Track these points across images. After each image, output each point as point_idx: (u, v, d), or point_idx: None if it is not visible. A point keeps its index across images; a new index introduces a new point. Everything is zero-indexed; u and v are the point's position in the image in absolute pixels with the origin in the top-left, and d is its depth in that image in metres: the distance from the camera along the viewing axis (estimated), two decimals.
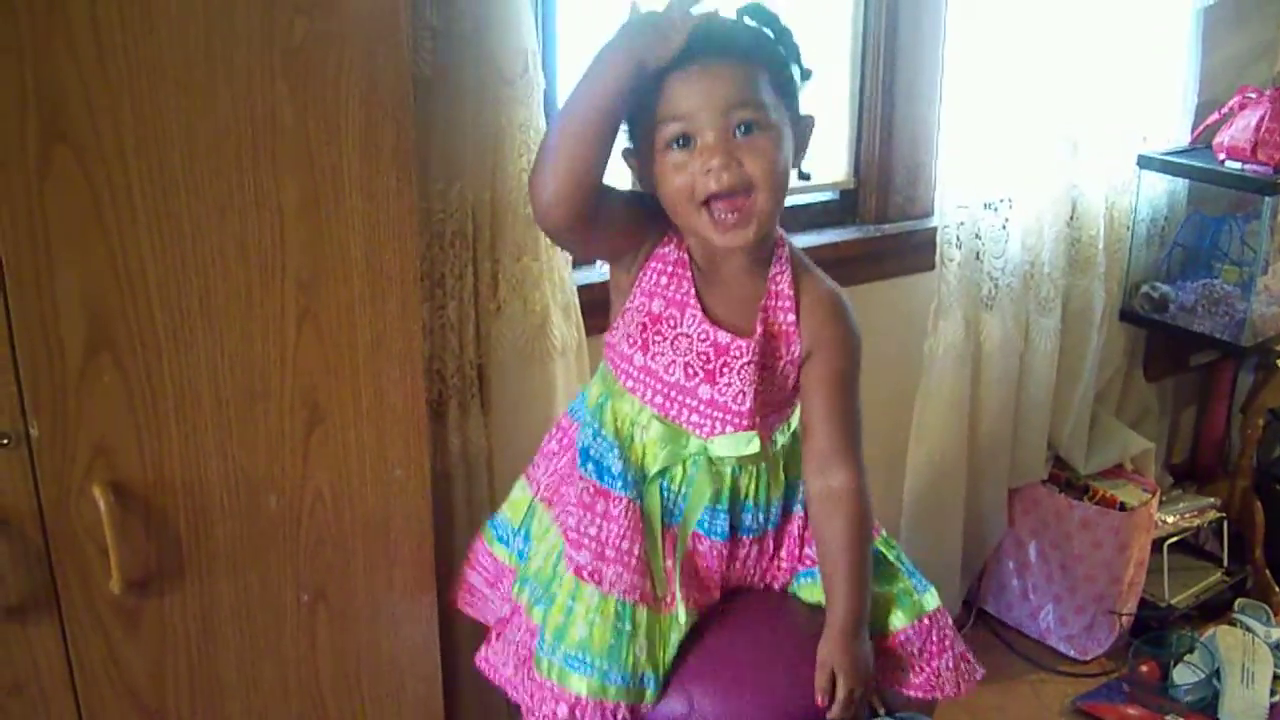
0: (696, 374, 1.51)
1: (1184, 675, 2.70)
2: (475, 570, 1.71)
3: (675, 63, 1.36)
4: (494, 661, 1.65)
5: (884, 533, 1.67)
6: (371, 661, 1.62)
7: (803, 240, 2.40)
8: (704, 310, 1.50)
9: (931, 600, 1.62)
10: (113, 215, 1.28)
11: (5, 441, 1.29)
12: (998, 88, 2.43)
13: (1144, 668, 2.72)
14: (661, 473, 1.54)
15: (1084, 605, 2.81)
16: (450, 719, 1.77)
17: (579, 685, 1.48)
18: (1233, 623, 2.89)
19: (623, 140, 1.48)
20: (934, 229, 2.50)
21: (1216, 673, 2.70)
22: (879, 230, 2.56)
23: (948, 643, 1.61)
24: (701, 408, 1.52)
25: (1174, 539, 2.96)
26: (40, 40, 1.19)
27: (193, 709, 1.51)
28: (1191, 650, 2.75)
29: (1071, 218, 2.63)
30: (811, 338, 1.53)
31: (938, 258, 2.49)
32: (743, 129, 1.40)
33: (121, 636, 1.43)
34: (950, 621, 1.64)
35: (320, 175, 1.39)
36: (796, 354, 1.53)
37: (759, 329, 1.50)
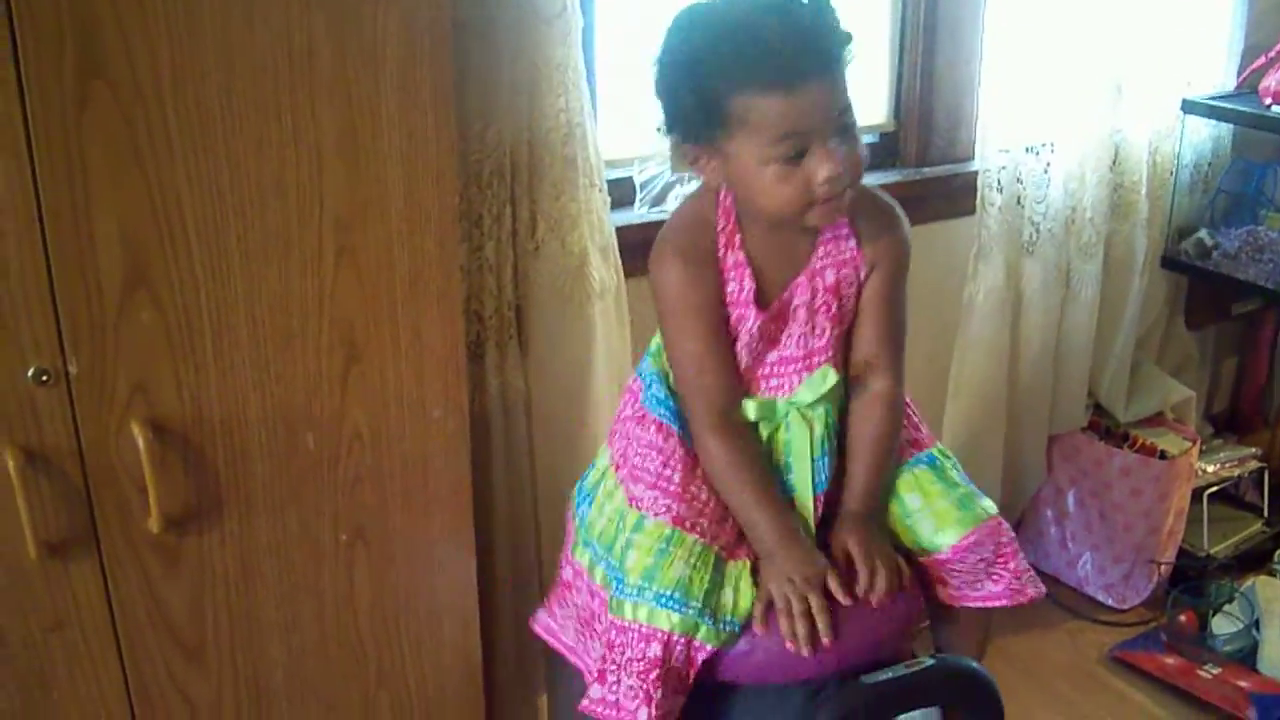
0: (759, 348, 1.57)
1: (1222, 625, 2.68)
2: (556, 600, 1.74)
3: (778, 84, 1.39)
4: (553, 627, 1.69)
5: (938, 444, 1.69)
6: (409, 602, 1.63)
7: None
8: (759, 300, 1.54)
9: (992, 506, 1.63)
10: (150, 152, 1.27)
11: (45, 379, 1.30)
12: (1041, 29, 2.38)
13: (1182, 617, 2.70)
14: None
15: (1122, 554, 2.79)
16: (487, 662, 1.77)
17: (669, 622, 1.47)
18: (1272, 573, 2.86)
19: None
20: (975, 173, 2.46)
21: (1256, 623, 2.67)
22: (919, 174, 2.52)
23: (1015, 545, 1.62)
24: (774, 370, 1.58)
25: (1214, 489, 2.92)
26: None
27: (232, 647, 1.52)
28: (1230, 600, 2.72)
29: (1114, 163, 2.58)
30: (872, 254, 1.58)
31: (979, 202, 2.46)
32: (842, 131, 1.44)
33: (161, 574, 1.44)
34: (1009, 528, 1.64)
35: (358, 112, 1.38)
36: (864, 275, 1.58)
37: (814, 261, 1.55)
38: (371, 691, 1.64)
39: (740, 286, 1.53)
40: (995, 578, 1.61)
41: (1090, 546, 2.83)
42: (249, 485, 1.46)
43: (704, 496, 1.56)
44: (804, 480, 1.59)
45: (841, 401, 1.64)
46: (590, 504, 1.65)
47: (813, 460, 1.59)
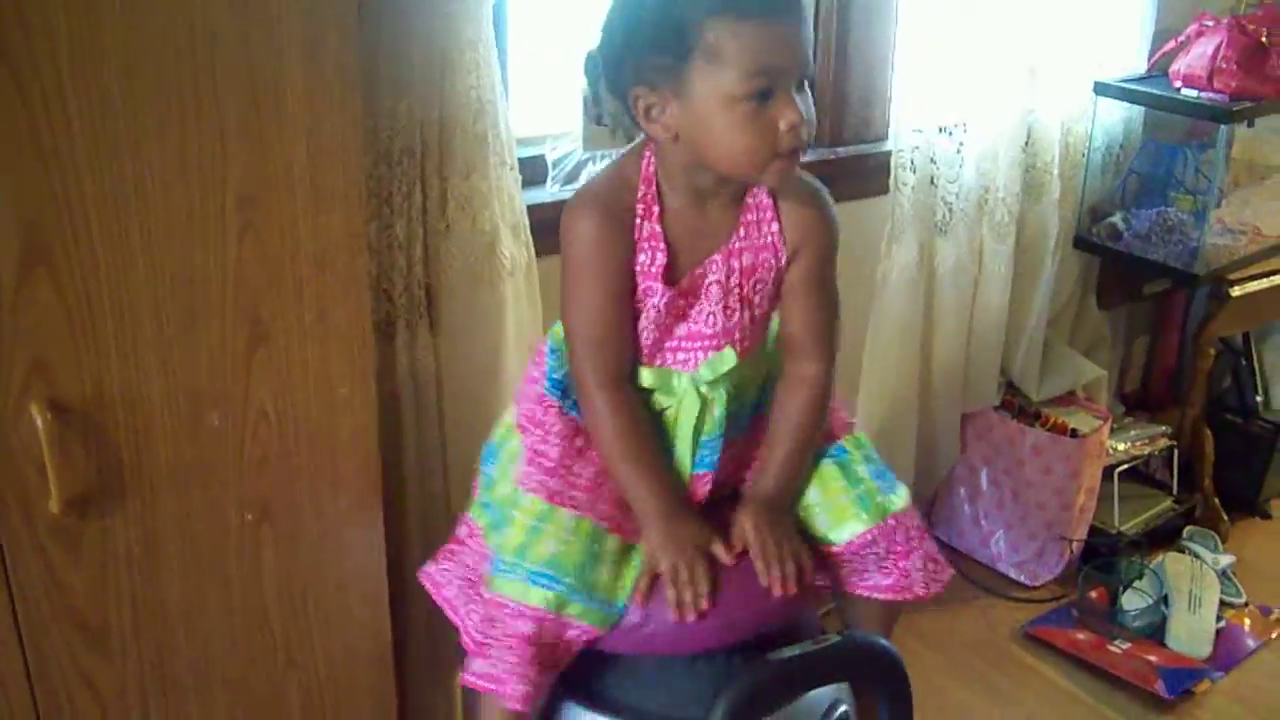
0: (667, 321, 1.54)
1: (1132, 601, 2.74)
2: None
3: (753, 13, 1.36)
4: (438, 580, 1.65)
5: (857, 432, 1.68)
6: (317, 582, 1.61)
7: None
8: (668, 276, 1.51)
9: (899, 500, 1.61)
10: (48, 131, 1.24)
11: None
12: (955, 9, 2.41)
13: (1093, 593, 2.76)
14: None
15: (1035, 531, 2.84)
16: (398, 642, 1.76)
17: (540, 598, 1.47)
18: (1181, 550, 2.94)
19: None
20: (888, 153, 2.48)
21: (1164, 599, 2.74)
22: (833, 153, 2.54)
23: (915, 543, 1.61)
24: (682, 344, 1.56)
25: (1125, 467, 2.99)
26: None
27: (136, 630, 1.49)
28: (1140, 576, 2.79)
29: (1027, 143, 2.62)
30: (796, 237, 1.55)
31: (892, 182, 2.48)
32: (803, 85, 1.42)
33: (62, 557, 1.41)
34: (919, 521, 1.63)
35: (261, 90, 1.35)
36: (784, 259, 1.55)
37: (733, 242, 1.52)
38: (280, 674, 1.62)
39: (651, 259, 1.50)
40: (885, 571, 1.61)
41: (1003, 524, 2.88)
42: (152, 466, 1.44)
43: (582, 471, 1.56)
44: (684, 457, 1.59)
45: (762, 384, 1.63)
46: (495, 463, 1.64)
47: (700, 439, 1.57)
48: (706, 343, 1.55)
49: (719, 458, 1.59)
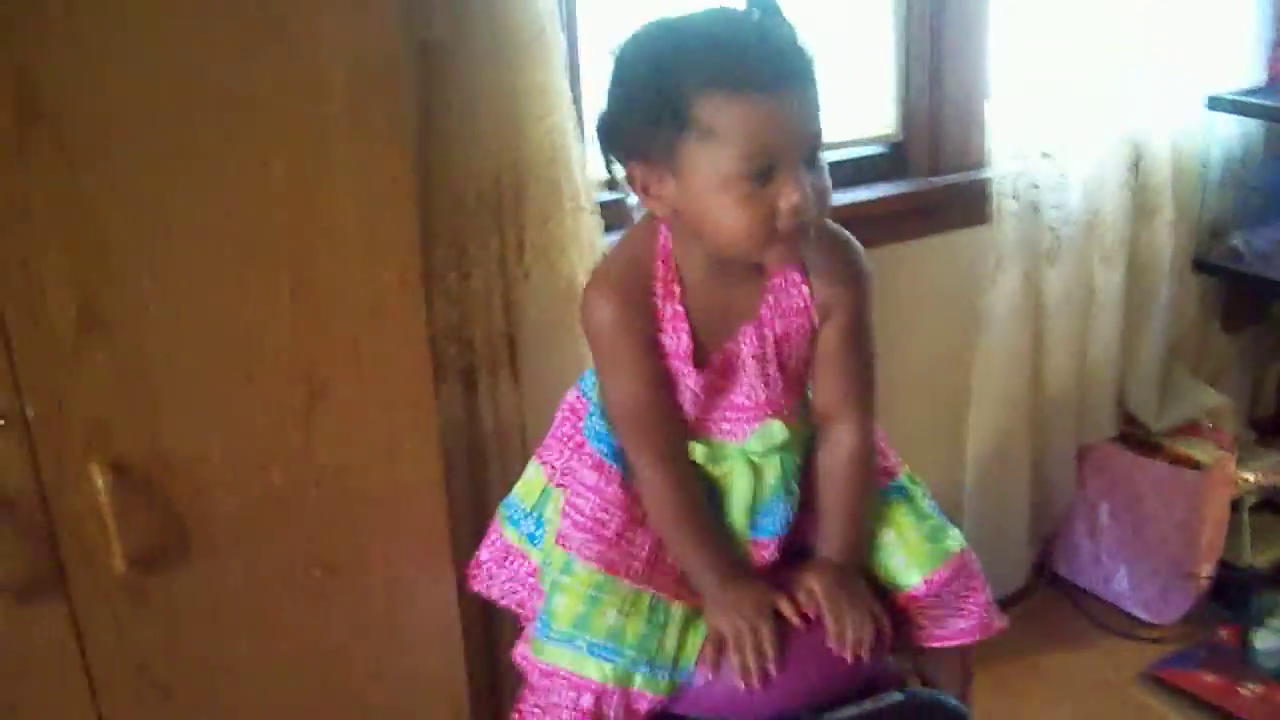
0: (706, 399, 1.48)
1: (1266, 640, 2.60)
2: (487, 548, 1.68)
3: (749, 87, 1.27)
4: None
5: (907, 470, 1.61)
6: (388, 639, 1.60)
7: (850, 196, 2.34)
8: (697, 357, 1.45)
9: (959, 535, 1.56)
10: (93, 192, 1.26)
11: (1, 421, 1.29)
12: (1053, 27, 2.33)
13: (1223, 633, 2.64)
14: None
15: (1159, 568, 2.72)
16: (474, 695, 1.74)
17: (600, 673, 1.43)
18: None
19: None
20: (989, 180, 2.42)
21: None
22: (930, 183, 2.47)
23: (981, 578, 1.56)
24: (726, 415, 1.50)
25: (1257, 498, 2.84)
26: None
27: (207, 685, 1.50)
28: (1274, 614, 2.64)
29: (1135, 164, 2.52)
30: (826, 297, 1.47)
31: (994, 210, 2.41)
32: (811, 159, 1.33)
33: (130, 614, 1.43)
34: (973, 554, 1.57)
35: (305, 146, 1.36)
36: (817, 321, 1.48)
37: (761, 311, 1.45)
38: None
39: (677, 341, 1.43)
40: (965, 613, 1.55)
41: (1125, 561, 2.76)
42: (215, 523, 1.45)
43: (640, 540, 1.50)
44: (741, 524, 1.53)
45: (807, 443, 1.56)
46: (541, 525, 1.60)
47: (757, 507, 1.52)
48: (751, 414, 1.49)
49: (781, 520, 1.53)
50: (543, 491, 1.60)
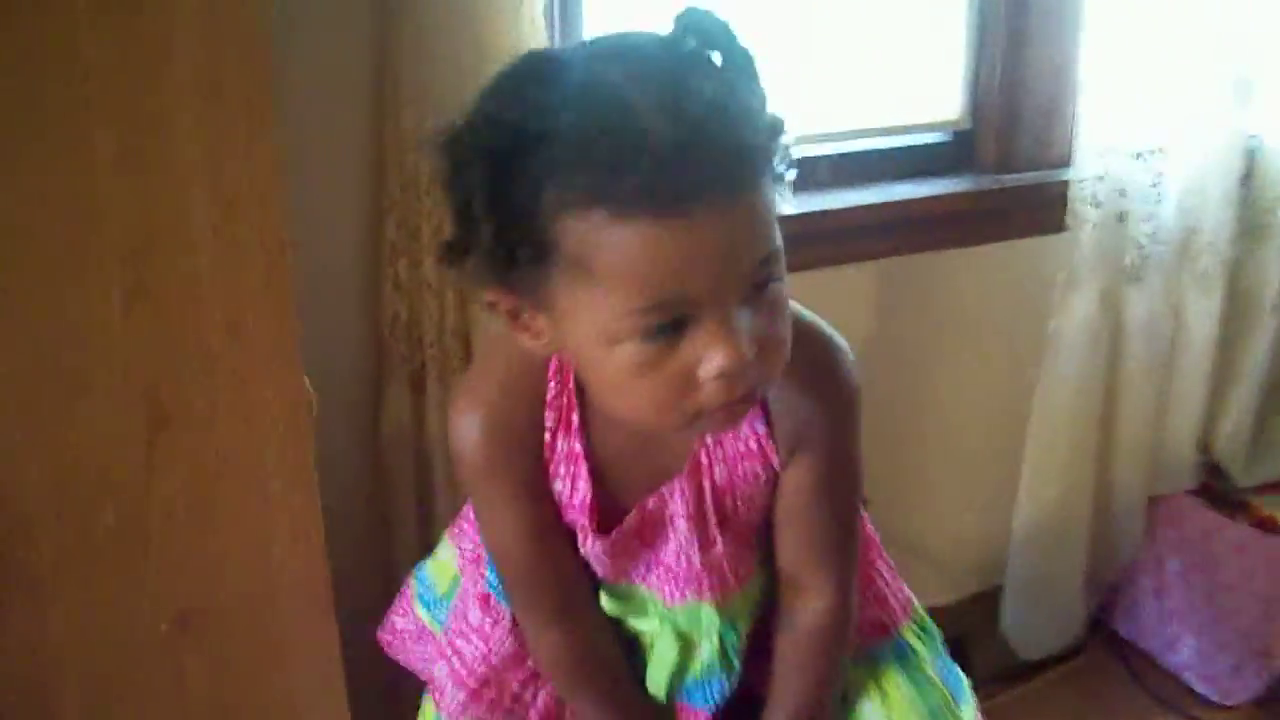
0: (614, 562, 1.15)
1: None
2: (400, 617, 1.42)
3: (644, 208, 0.85)
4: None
5: (917, 608, 1.28)
6: (258, 701, 1.35)
7: (903, 191, 2.04)
8: (599, 516, 1.11)
9: (969, 710, 1.21)
10: None
11: None
12: (1157, 8, 2.00)
13: None
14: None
15: (1231, 642, 2.39)
16: None
17: None
18: None
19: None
20: (1067, 182, 2.10)
21: None
22: (998, 181, 2.17)
23: None
24: (651, 570, 1.16)
25: None
26: None
27: None
28: None
29: (1245, 175, 2.18)
30: (792, 429, 1.09)
31: (1070, 217, 2.10)
32: (755, 294, 0.93)
33: None
34: None
35: (141, 124, 1.09)
36: (778, 463, 1.11)
37: (700, 457, 1.09)
38: None
39: (571, 489, 1.09)
40: None
41: (1193, 629, 2.43)
42: (35, 565, 1.20)
43: (529, 698, 1.22)
44: (662, 692, 1.20)
45: (756, 609, 1.23)
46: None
47: (685, 680, 1.19)
48: (683, 577, 1.14)
49: (718, 693, 1.19)
50: (454, 578, 1.34)
